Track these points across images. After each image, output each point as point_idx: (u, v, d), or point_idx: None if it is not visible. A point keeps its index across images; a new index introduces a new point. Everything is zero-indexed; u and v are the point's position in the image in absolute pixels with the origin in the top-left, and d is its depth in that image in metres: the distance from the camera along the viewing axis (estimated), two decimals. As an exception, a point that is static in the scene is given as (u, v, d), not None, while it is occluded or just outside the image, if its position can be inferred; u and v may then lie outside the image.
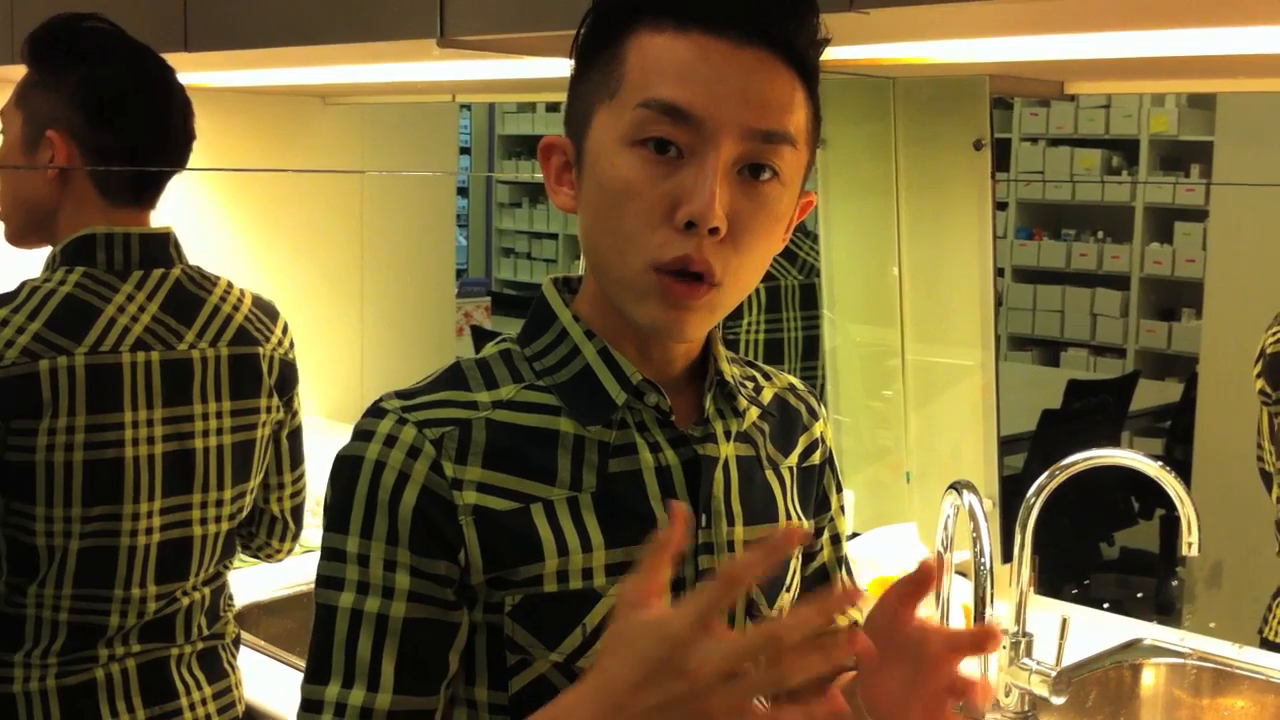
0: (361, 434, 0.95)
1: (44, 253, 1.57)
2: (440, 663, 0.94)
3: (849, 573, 1.19)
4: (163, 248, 1.57)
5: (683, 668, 0.77)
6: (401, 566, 0.92)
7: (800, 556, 1.10)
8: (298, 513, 1.75)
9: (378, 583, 0.92)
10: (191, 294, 1.58)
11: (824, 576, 1.16)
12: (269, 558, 1.77)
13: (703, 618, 0.78)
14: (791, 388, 1.12)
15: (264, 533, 1.72)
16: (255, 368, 1.62)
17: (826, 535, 1.15)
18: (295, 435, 1.71)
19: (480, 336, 4.49)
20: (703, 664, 0.77)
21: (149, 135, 1.55)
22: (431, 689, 0.93)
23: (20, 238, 1.61)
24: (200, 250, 1.70)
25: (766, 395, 1.09)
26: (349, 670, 0.92)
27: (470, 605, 0.95)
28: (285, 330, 1.68)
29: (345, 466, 0.95)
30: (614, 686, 0.79)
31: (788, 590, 1.07)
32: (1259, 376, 2.16)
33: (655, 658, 0.77)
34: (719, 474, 1.00)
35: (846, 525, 1.19)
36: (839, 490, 1.16)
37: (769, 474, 1.05)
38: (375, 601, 0.92)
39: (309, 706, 0.93)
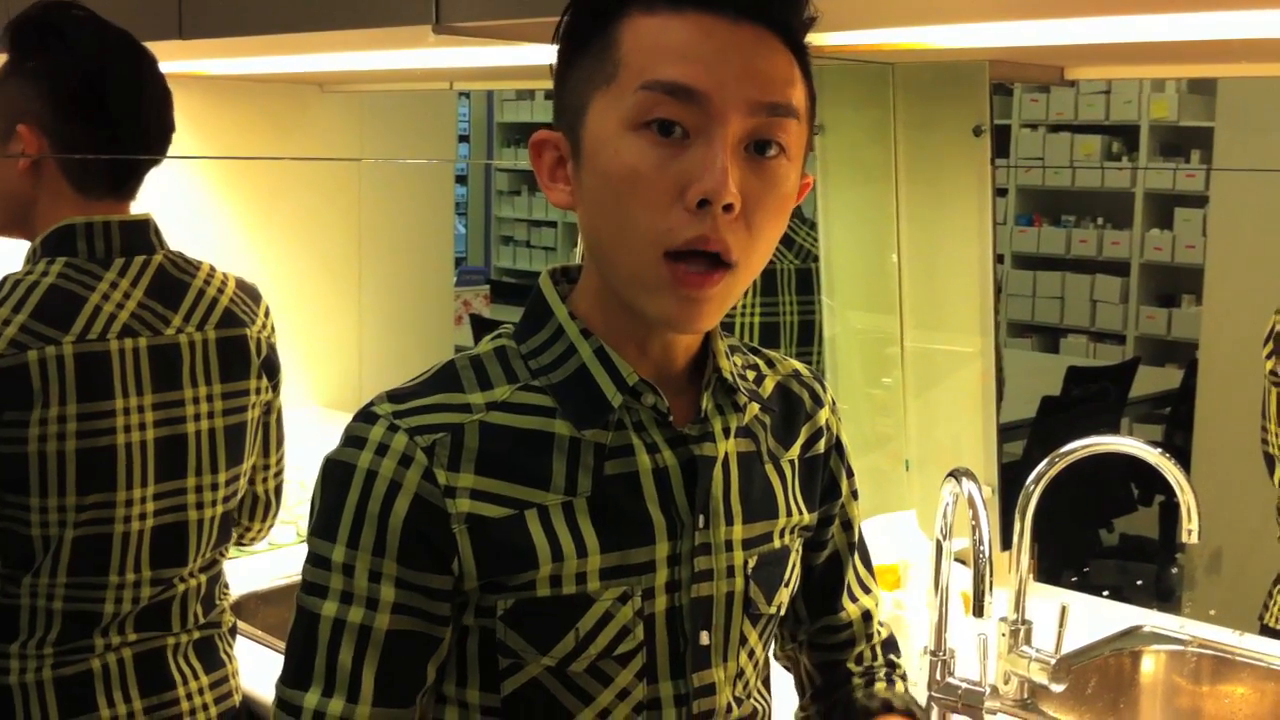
0: (352, 440, 0.94)
1: (25, 248, 1.56)
2: (419, 674, 0.93)
3: (863, 558, 1.18)
4: (143, 234, 1.56)
5: None
6: (387, 578, 0.91)
7: (801, 550, 1.09)
8: (279, 491, 1.75)
9: (362, 593, 0.91)
10: (175, 279, 1.57)
11: (837, 565, 1.15)
12: (250, 540, 1.77)
13: None
14: (796, 374, 1.10)
15: (246, 514, 1.71)
16: (244, 350, 1.61)
17: (839, 523, 1.14)
18: (279, 416, 1.71)
19: (479, 325, 4.48)
20: None
21: (119, 126, 1.53)
22: (409, 700, 0.93)
23: (1, 228, 1.60)
24: (197, 239, 1.69)
25: (768, 385, 1.07)
26: (329, 679, 0.91)
27: (461, 609, 0.94)
28: (268, 313, 1.68)
29: (336, 473, 0.93)
30: None
31: (786, 586, 1.06)
32: (1270, 357, 2.15)
33: None
34: (718, 473, 0.99)
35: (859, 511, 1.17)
36: (849, 475, 1.14)
37: (769, 469, 1.04)
38: (359, 612, 0.91)
39: (287, 709, 0.93)
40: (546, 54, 1.00)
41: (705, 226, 0.88)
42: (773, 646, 1.18)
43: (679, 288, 0.89)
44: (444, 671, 0.96)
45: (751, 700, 1.05)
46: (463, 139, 7.66)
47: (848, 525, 1.15)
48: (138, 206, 1.60)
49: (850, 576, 1.16)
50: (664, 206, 0.88)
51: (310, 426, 2.78)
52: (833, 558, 1.14)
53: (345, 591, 0.92)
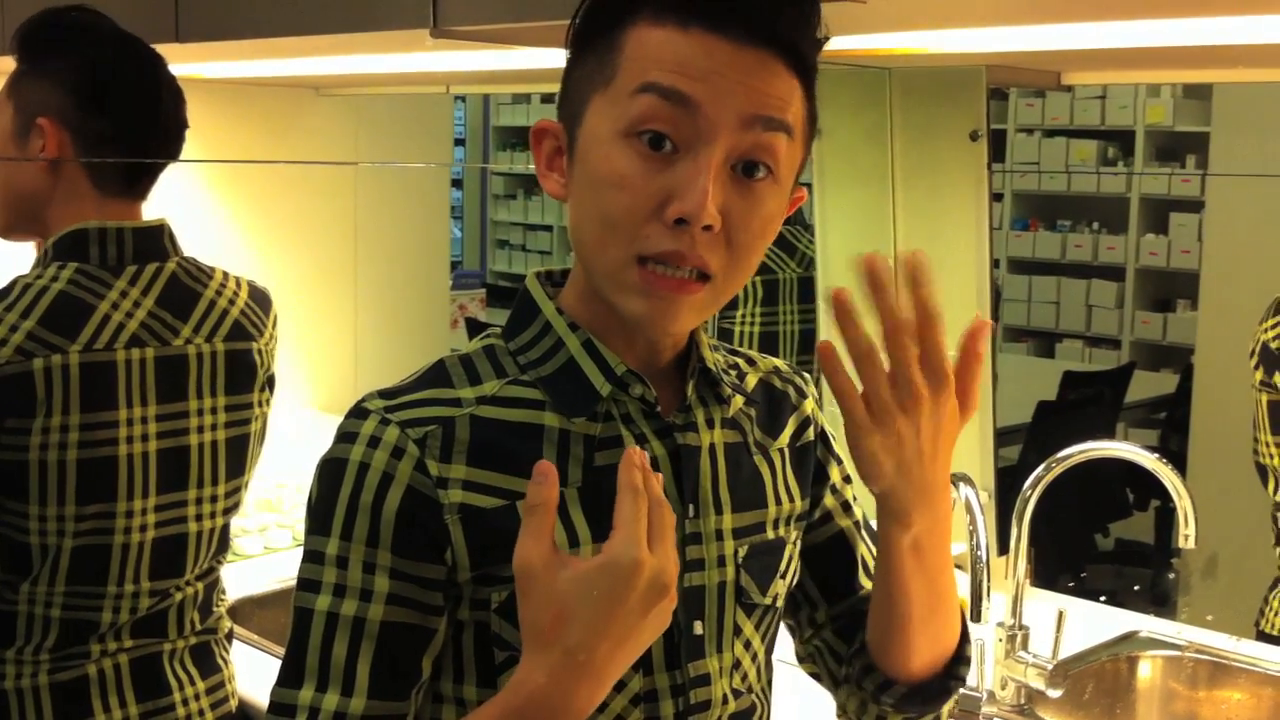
0: (345, 436, 0.94)
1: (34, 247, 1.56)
2: (415, 667, 0.93)
3: (870, 534, 1.16)
4: (157, 240, 1.56)
5: (663, 583, 0.85)
6: (381, 569, 0.91)
7: (797, 541, 1.09)
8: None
9: (355, 585, 0.91)
10: (187, 287, 1.57)
11: (844, 544, 1.14)
12: None
13: (645, 538, 0.84)
14: (776, 370, 1.12)
15: None
16: (250, 363, 1.61)
17: (835, 504, 1.14)
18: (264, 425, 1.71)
19: (475, 328, 4.49)
20: (670, 569, 0.85)
21: (141, 123, 1.53)
22: (404, 694, 0.93)
23: (10, 230, 1.60)
24: (193, 242, 1.69)
25: (750, 381, 1.09)
26: (323, 674, 0.91)
27: (456, 603, 0.94)
28: (275, 323, 1.67)
29: (329, 469, 0.94)
30: (603, 634, 0.83)
31: (783, 577, 1.06)
32: (1256, 368, 2.16)
33: (637, 590, 0.84)
34: (705, 463, 1.00)
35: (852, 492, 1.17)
36: (839, 462, 1.14)
37: (758, 459, 1.05)
38: (352, 604, 0.91)
39: (281, 710, 0.92)
40: (543, 58, 1.01)
41: (682, 243, 0.89)
42: (794, 647, 1.18)
43: (651, 288, 0.90)
44: (440, 669, 0.96)
45: (751, 695, 1.05)
46: (459, 143, 7.65)
47: (848, 507, 1.15)
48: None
49: (864, 551, 1.15)
50: (643, 216, 0.90)
51: (306, 430, 2.78)
52: (838, 537, 1.14)
53: (339, 584, 0.92)
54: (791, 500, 1.07)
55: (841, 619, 1.15)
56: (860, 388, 0.94)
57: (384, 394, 0.96)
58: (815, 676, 1.19)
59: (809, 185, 2.32)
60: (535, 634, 0.85)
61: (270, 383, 1.65)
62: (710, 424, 1.01)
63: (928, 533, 0.99)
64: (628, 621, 0.84)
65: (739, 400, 1.04)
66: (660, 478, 0.89)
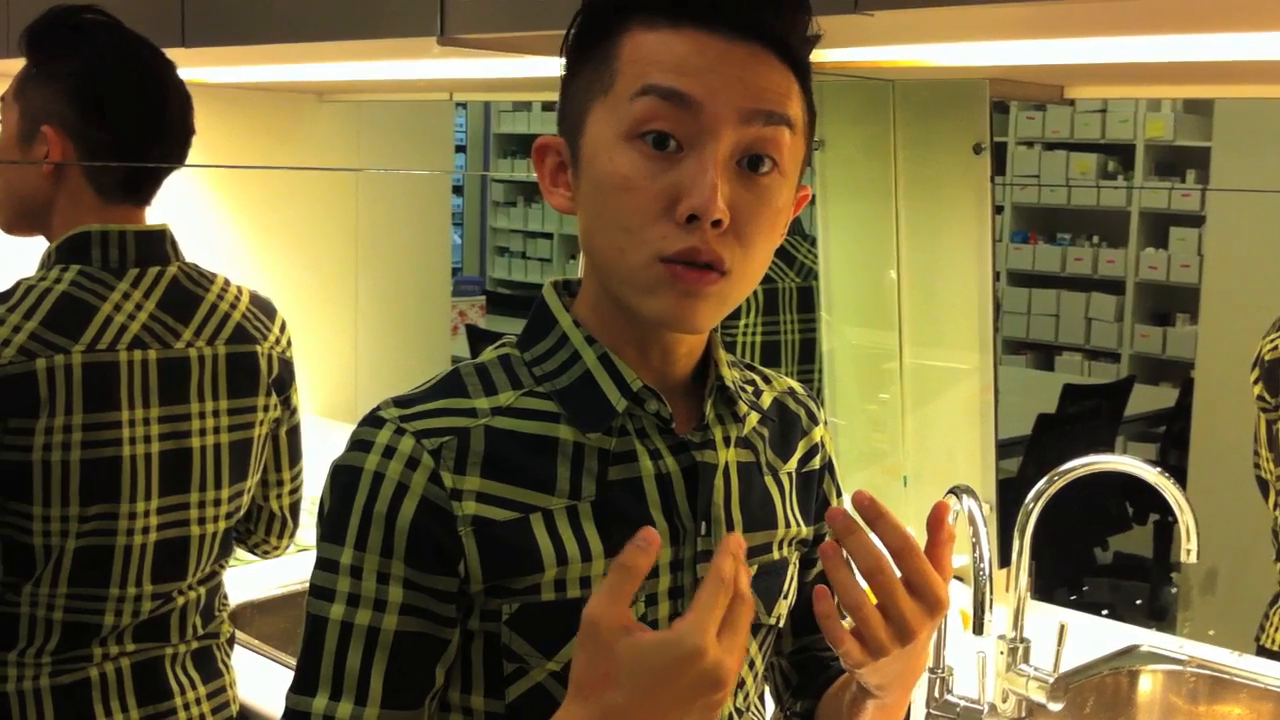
0: (359, 444, 0.94)
1: (40, 249, 1.56)
2: (428, 676, 0.93)
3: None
4: (159, 245, 1.56)
5: (717, 677, 0.82)
6: (395, 579, 0.91)
7: (798, 564, 1.09)
8: (295, 509, 1.75)
9: (370, 595, 0.92)
10: (189, 292, 1.57)
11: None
12: (265, 554, 1.77)
13: (715, 628, 0.82)
14: (791, 391, 1.12)
15: (262, 529, 1.71)
16: (253, 366, 1.61)
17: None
18: (294, 432, 1.71)
19: (475, 335, 4.48)
20: (729, 665, 0.83)
21: (143, 131, 1.54)
22: (417, 702, 0.93)
23: (13, 228, 1.60)
24: (195, 247, 1.69)
25: (766, 399, 1.08)
26: (337, 682, 0.92)
27: (466, 613, 0.94)
28: (283, 328, 1.67)
29: (343, 476, 0.94)
30: (645, 707, 0.82)
31: (785, 598, 1.06)
32: (1256, 383, 2.16)
33: (690, 676, 0.82)
34: (719, 481, 1.00)
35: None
36: (839, 495, 1.15)
37: (768, 480, 1.05)
38: (366, 614, 0.91)
39: (295, 717, 0.93)
40: (546, 66, 1.01)
41: (695, 239, 0.89)
42: None
43: (677, 283, 0.90)
44: (449, 678, 0.96)
45: (750, 712, 1.05)
46: (459, 150, 7.65)
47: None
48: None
49: None
50: (655, 217, 0.90)
51: (306, 436, 2.78)
52: (821, 577, 1.14)
53: (352, 594, 0.92)
54: (798, 525, 1.07)
55: (804, 653, 1.16)
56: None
57: (399, 402, 0.96)
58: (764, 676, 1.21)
59: (811, 197, 2.32)
60: (580, 685, 0.84)
61: (280, 386, 1.65)
62: (727, 442, 1.01)
63: (897, 701, 1.01)
64: (671, 703, 0.83)
65: (754, 418, 1.04)
66: (749, 569, 0.88)
